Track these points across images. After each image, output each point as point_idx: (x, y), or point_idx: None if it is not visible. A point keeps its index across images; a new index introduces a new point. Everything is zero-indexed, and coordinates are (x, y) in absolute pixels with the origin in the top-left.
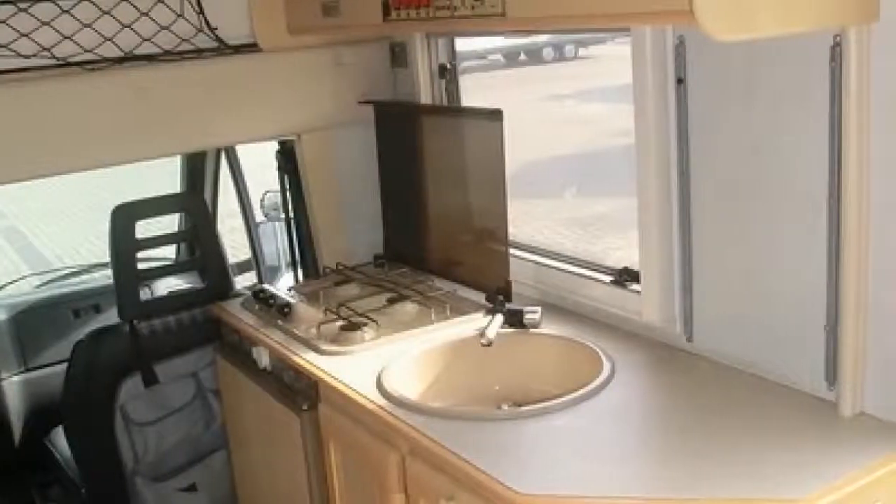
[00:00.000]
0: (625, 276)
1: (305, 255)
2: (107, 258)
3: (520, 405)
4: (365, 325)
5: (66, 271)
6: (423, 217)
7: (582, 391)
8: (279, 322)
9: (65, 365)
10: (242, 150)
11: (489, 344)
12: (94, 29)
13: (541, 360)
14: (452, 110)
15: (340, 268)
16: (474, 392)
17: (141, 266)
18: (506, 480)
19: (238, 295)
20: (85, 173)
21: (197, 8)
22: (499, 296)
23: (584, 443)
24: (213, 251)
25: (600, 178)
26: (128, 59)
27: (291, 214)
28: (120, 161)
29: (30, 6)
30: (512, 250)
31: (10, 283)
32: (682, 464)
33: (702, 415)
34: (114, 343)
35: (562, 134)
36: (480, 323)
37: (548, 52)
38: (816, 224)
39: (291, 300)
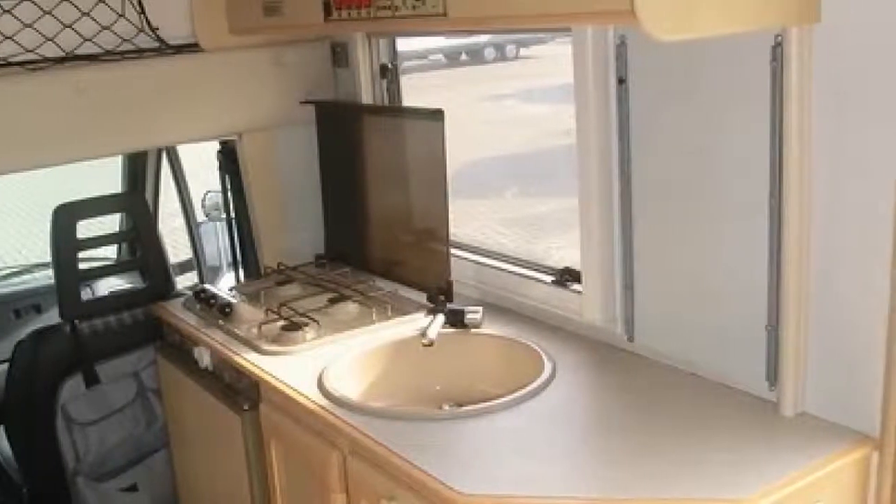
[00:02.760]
0: (566, 277)
1: (247, 255)
2: (48, 258)
3: (461, 405)
4: (306, 325)
5: (7, 271)
6: (365, 217)
7: (523, 391)
8: (220, 322)
9: (5, 365)
10: (184, 150)
11: (430, 344)
12: (35, 29)
13: (482, 360)
14: (394, 110)
15: (282, 268)
16: (415, 392)
17: (82, 266)
18: (447, 480)
19: (179, 295)
20: (26, 173)
21: (138, 8)
22: (440, 296)
23: (525, 442)
24: (155, 251)
25: (541, 178)
26: (69, 59)
27: (233, 214)
28: (61, 161)
29: None
30: (453, 250)
31: None
32: (623, 463)
33: (643, 415)
34: (55, 343)
35: (503, 134)
36: (422, 323)
37: (489, 52)
38: (758, 224)
39: (233, 300)
